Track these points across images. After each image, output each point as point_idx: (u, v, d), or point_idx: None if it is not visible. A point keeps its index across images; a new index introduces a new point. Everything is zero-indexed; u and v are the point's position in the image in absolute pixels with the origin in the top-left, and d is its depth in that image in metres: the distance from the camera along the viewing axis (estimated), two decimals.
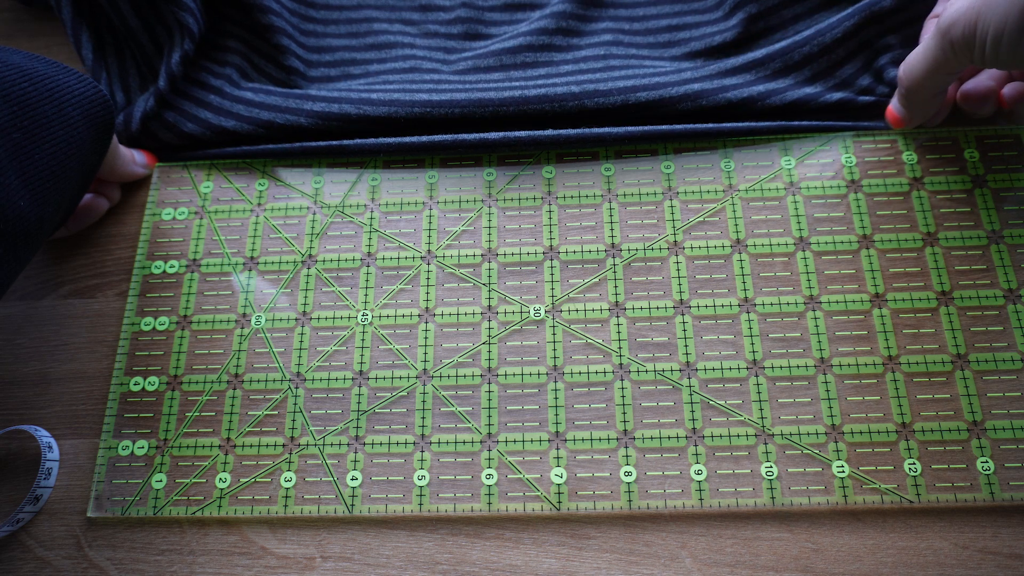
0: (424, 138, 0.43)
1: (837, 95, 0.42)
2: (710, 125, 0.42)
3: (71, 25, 0.45)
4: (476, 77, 0.46)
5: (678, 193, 0.42)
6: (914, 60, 0.37)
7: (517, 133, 0.42)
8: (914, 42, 0.42)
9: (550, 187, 0.43)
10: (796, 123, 0.42)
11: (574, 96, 0.43)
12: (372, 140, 0.43)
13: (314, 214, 0.43)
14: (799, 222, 0.40)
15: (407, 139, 0.43)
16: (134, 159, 0.44)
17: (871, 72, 0.43)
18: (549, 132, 0.42)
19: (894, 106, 0.41)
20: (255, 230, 0.43)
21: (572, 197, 0.42)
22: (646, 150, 0.43)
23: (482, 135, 0.43)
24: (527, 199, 0.43)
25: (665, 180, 0.42)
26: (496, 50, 0.47)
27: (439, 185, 0.43)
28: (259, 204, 0.44)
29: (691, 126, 0.42)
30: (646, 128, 0.42)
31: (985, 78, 0.40)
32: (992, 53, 0.33)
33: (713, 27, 0.47)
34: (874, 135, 0.42)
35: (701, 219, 0.41)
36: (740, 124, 0.42)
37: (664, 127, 0.42)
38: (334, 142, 0.44)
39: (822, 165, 0.42)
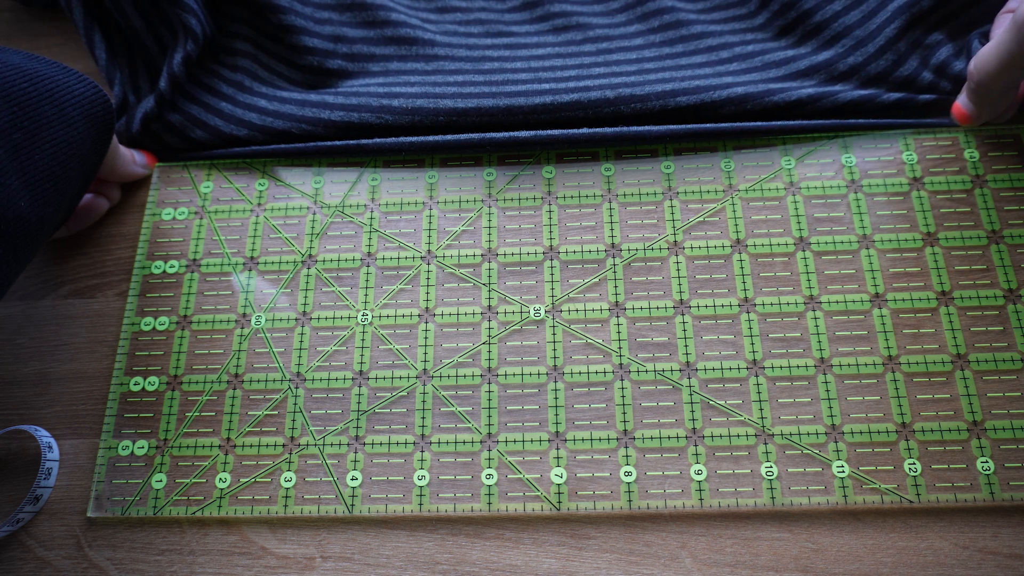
0: (428, 138, 0.43)
1: (895, 95, 0.41)
2: (758, 124, 0.41)
3: (83, 26, 0.45)
4: (501, 73, 0.45)
5: (678, 193, 0.42)
6: (986, 55, 0.36)
7: (521, 133, 0.42)
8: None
9: (550, 187, 0.43)
10: (854, 121, 0.41)
11: (609, 102, 0.42)
12: (374, 140, 0.43)
13: (314, 214, 0.43)
14: (799, 222, 0.40)
15: (408, 139, 0.43)
16: (134, 159, 0.44)
17: (931, 69, 0.42)
18: (555, 132, 0.42)
19: (962, 102, 0.40)
20: (255, 230, 0.43)
21: (572, 197, 0.42)
22: (646, 150, 0.43)
23: (486, 135, 0.42)
24: (527, 199, 0.43)
25: (665, 180, 0.42)
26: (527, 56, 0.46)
27: (439, 185, 0.43)
28: (259, 204, 0.44)
29: (736, 124, 0.41)
30: (693, 127, 0.42)
31: None
32: None
33: (743, 22, 0.46)
34: (935, 132, 0.41)
35: (701, 219, 0.41)
36: (792, 123, 0.41)
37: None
38: (337, 142, 0.43)
39: (822, 165, 0.42)
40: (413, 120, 0.43)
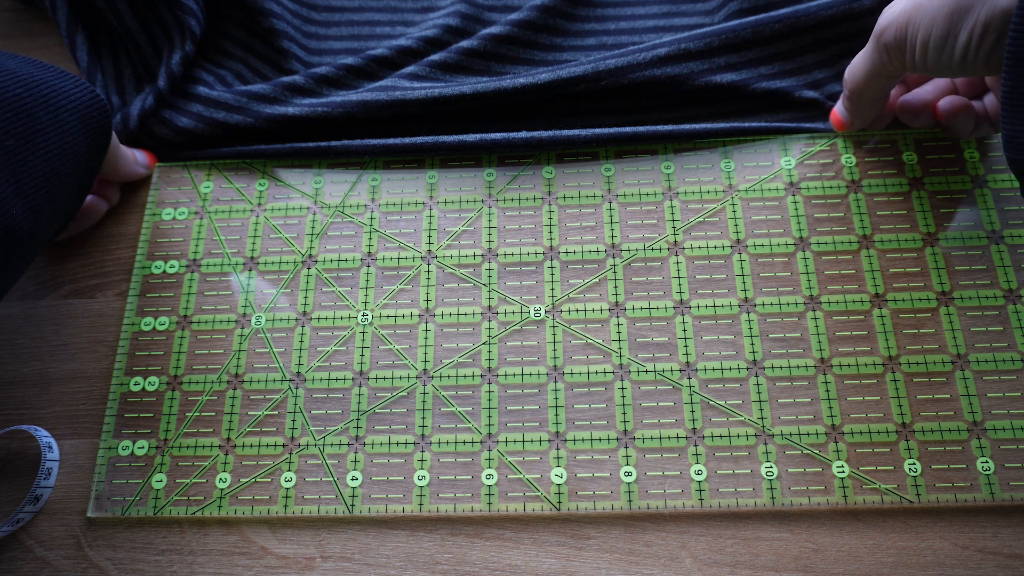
0: (429, 139, 0.43)
1: (809, 93, 0.43)
2: (700, 126, 0.43)
3: (66, 27, 0.45)
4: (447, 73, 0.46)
5: (678, 193, 0.42)
6: (856, 64, 0.37)
7: (519, 134, 0.42)
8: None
9: (550, 187, 0.43)
10: (741, 124, 0.42)
11: (543, 87, 0.43)
12: (373, 141, 0.43)
13: (314, 214, 0.43)
14: (799, 222, 0.40)
15: (407, 140, 0.43)
16: (135, 159, 0.44)
17: (831, 69, 0.43)
18: (552, 133, 0.42)
19: (838, 109, 0.41)
20: (255, 230, 0.43)
21: (572, 197, 0.42)
22: (646, 150, 0.43)
23: (486, 136, 0.42)
24: (527, 199, 0.43)
25: (665, 180, 0.42)
26: (484, 36, 0.46)
27: (439, 185, 0.43)
28: (259, 204, 0.44)
29: (680, 127, 0.43)
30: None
31: (930, 89, 0.40)
32: (921, 58, 0.33)
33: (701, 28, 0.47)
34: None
35: (701, 219, 0.41)
36: (686, 127, 0.43)
37: (663, 128, 0.42)
38: (336, 143, 0.44)
39: (822, 165, 0.42)
40: (371, 98, 0.43)
